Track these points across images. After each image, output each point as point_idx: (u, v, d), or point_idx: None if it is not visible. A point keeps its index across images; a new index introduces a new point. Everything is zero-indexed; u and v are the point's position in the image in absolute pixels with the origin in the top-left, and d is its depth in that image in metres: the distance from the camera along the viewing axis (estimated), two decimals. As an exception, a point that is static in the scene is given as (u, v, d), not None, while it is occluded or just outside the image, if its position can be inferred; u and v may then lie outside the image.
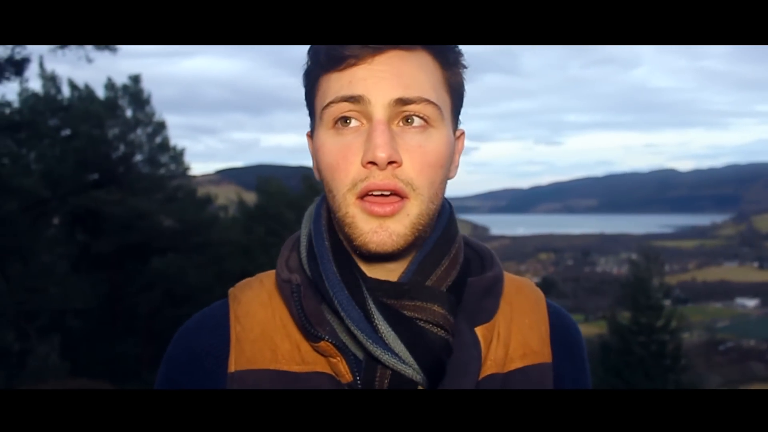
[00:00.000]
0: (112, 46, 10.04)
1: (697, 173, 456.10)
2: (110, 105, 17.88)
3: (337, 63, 0.84)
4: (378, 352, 0.82)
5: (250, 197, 20.91)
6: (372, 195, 0.83)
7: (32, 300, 14.76)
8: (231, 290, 0.97)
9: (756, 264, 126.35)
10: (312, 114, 0.91)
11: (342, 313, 0.84)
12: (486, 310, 0.92)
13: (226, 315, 0.93)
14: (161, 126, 18.65)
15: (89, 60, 10.03)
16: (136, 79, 18.37)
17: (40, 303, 14.88)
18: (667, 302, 27.66)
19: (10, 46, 9.78)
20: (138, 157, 18.58)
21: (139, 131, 18.37)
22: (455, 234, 0.92)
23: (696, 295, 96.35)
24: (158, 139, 18.64)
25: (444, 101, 0.87)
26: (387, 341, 0.82)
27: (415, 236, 0.85)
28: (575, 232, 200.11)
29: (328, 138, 0.85)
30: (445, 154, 0.86)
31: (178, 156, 18.99)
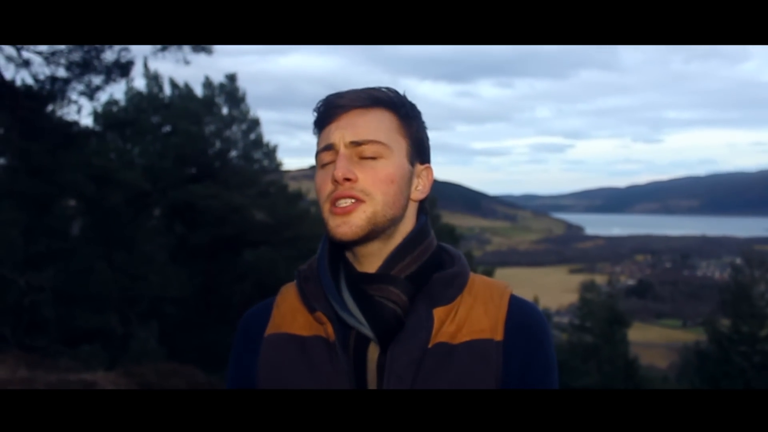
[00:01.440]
0: (208, 48, 10.49)
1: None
2: (208, 103, 18.66)
3: (322, 123, 1.24)
4: (345, 316, 1.19)
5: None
6: (337, 205, 1.19)
7: (134, 286, 15.65)
8: (282, 287, 1.34)
9: None
10: None
11: (325, 292, 1.22)
12: (445, 296, 1.21)
13: (272, 303, 1.33)
14: (255, 123, 19.27)
15: (187, 62, 10.55)
16: (232, 77, 19.06)
17: (141, 289, 15.76)
18: (773, 310, 26.04)
19: (117, 50, 10.40)
20: (233, 153, 19.27)
21: (234, 128, 19.06)
22: (422, 240, 1.26)
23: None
24: (252, 136, 19.27)
25: (395, 141, 1.23)
26: (350, 309, 1.19)
27: (371, 228, 1.18)
28: (674, 233, 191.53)
29: (319, 172, 1.25)
30: (395, 175, 1.21)
31: (271, 152, 19.56)
